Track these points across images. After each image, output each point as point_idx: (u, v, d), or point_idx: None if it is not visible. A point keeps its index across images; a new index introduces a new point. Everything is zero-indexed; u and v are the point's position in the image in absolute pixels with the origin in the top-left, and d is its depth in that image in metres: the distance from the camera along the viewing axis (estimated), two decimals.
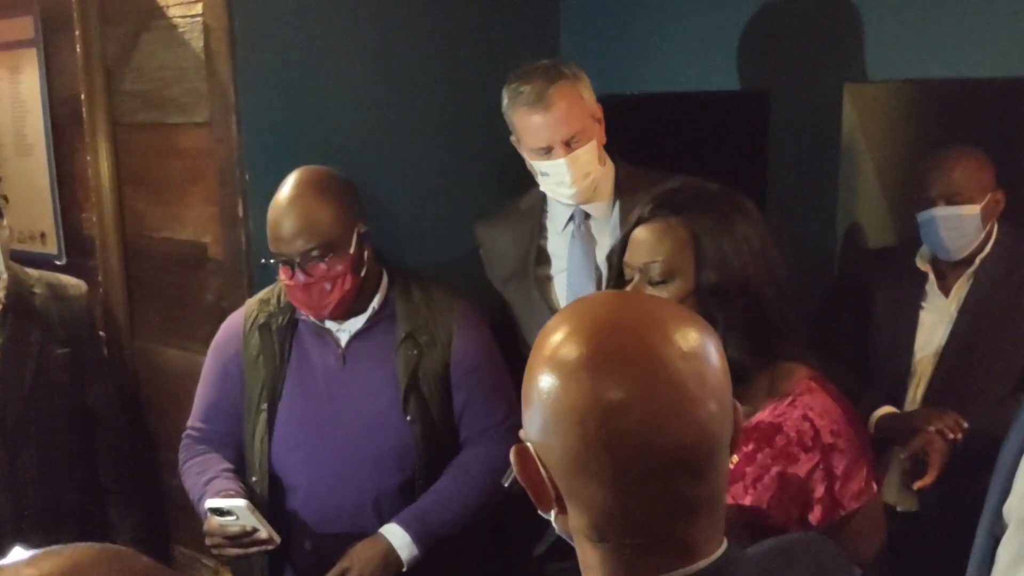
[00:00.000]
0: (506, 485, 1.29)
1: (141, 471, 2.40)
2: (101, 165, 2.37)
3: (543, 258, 2.14)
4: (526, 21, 2.61)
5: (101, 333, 2.42)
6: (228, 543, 1.79)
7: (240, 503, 1.76)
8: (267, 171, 2.02)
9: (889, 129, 2.57)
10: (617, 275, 1.47)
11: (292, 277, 1.84)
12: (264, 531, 1.78)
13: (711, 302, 1.36)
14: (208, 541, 1.82)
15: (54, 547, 0.71)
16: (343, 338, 1.94)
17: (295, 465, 1.93)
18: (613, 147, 2.07)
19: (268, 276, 2.02)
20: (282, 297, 1.95)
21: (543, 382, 0.83)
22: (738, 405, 0.86)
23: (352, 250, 1.85)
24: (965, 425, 1.99)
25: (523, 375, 0.87)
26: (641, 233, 1.42)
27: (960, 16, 2.07)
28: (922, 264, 2.26)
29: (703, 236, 1.38)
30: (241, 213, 2.12)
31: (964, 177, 2.15)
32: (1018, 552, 1.15)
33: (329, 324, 1.94)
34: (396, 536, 1.83)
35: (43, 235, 2.65)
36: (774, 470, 1.37)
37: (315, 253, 1.82)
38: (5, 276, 2.20)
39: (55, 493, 2.23)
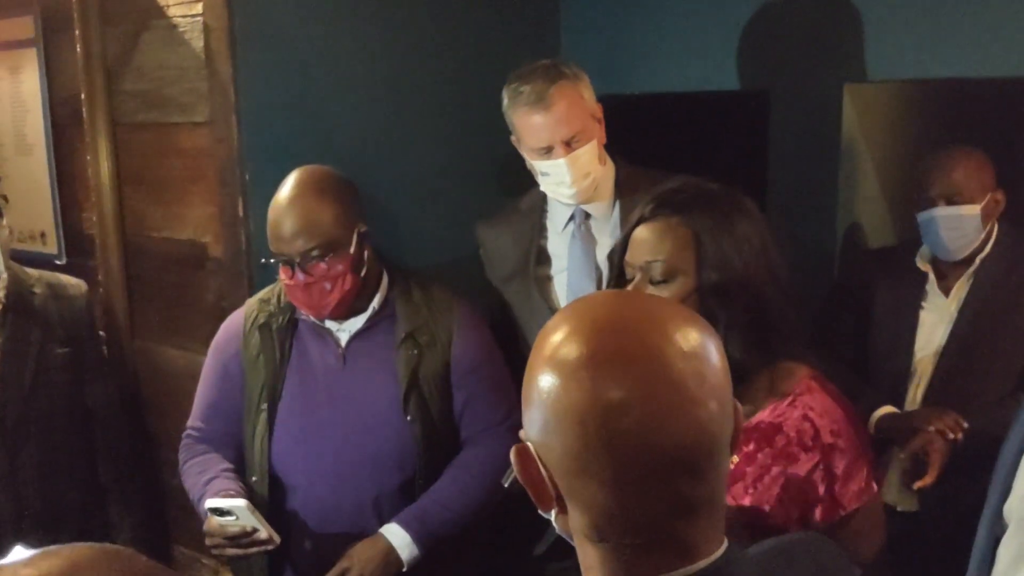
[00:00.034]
0: (506, 485, 1.28)
1: (141, 471, 2.40)
2: (101, 165, 2.37)
3: (543, 258, 2.14)
4: (526, 21, 2.61)
5: (101, 333, 2.42)
6: (228, 543, 1.79)
7: (240, 503, 1.76)
8: (267, 171, 2.02)
9: (889, 129, 2.58)
10: (618, 274, 1.47)
11: (292, 277, 1.84)
12: (264, 531, 1.78)
13: (712, 301, 1.36)
14: (208, 541, 1.82)
15: (52, 547, 0.71)
16: (343, 338, 1.94)
17: (295, 465, 1.93)
18: (613, 147, 2.07)
19: (268, 276, 2.02)
20: (282, 297, 1.95)
21: (543, 382, 0.83)
22: (738, 405, 0.86)
23: (352, 250, 1.85)
24: (965, 425, 1.99)
25: (523, 375, 0.87)
26: (642, 232, 1.42)
27: (960, 16, 2.07)
28: (922, 264, 2.26)
29: (704, 235, 1.38)
30: (241, 213, 2.12)
31: (964, 177, 2.15)
32: (1018, 552, 1.15)
33: (329, 324, 1.94)
34: (396, 536, 1.83)
35: (43, 235, 2.65)
36: (774, 470, 1.37)
37: (315, 253, 1.82)
38: (5, 276, 2.20)
39: (55, 493, 2.23)
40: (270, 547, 1.80)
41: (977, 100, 2.61)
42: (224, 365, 1.99)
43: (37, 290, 2.25)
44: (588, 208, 2.07)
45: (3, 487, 2.15)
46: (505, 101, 2.00)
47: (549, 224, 2.14)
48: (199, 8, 2.10)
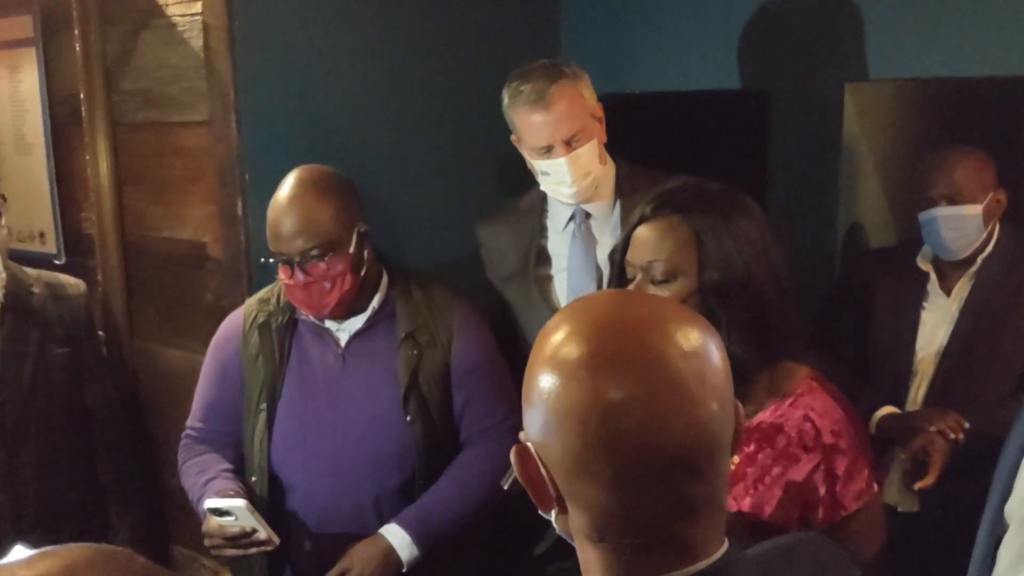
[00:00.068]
0: (505, 488, 1.28)
1: (140, 471, 2.40)
2: (100, 164, 2.37)
3: (543, 258, 2.14)
4: (526, 21, 2.61)
5: (100, 333, 2.42)
6: (227, 544, 1.79)
7: (239, 503, 1.76)
8: (267, 170, 2.02)
9: (890, 129, 2.57)
10: (619, 274, 1.47)
11: (292, 276, 1.84)
12: (263, 532, 1.77)
13: (714, 301, 1.36)
14: (207, 542, 1.82)
15: (50, 548, 0.71)
16: (343, 338, 1.94)
17: (295, 465, 1.92)
18: (614, 146, 2.07)
19: (268, 275, 2.02)
20: (282, 296, 1.95)
21: (543, 382, 0.82)
22: (739, 405, 0.86)
23: (352, 249, 1.85)
24: (966, 425, 1.99)
25: (523, 375, 0.87)
26: (643, 232, 1.42)
27: (960, 16, 2.07)
28: (923, 264, 2.26)
29: (705, 235, 1.38)
30: (241, 212, 2.12)
31: (965, 177, 2.15)
32: (1019, 552, 1.15)
33: (329, 324, 1.94)
34: (396, 536, 1.83)
35: (42, 234, 2.65)
36: (775, 470, 1.36)
37: (315, 252, 1.81)
38: (3, 275, 2.20)
39: (54, 493, 2.23)
40: (269, 548, 1.80)
41: (978, 100, 2.61)
42: (223, 365, 1.99)
43: (36, 290, 2.25)
44: (588, 208, 2.07)
45: (2, 487, 2.16)
46: (505, 100, 2.00)
47: (549, 224, 2.14)
48: (198, 7, 2.10)
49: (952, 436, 1.98)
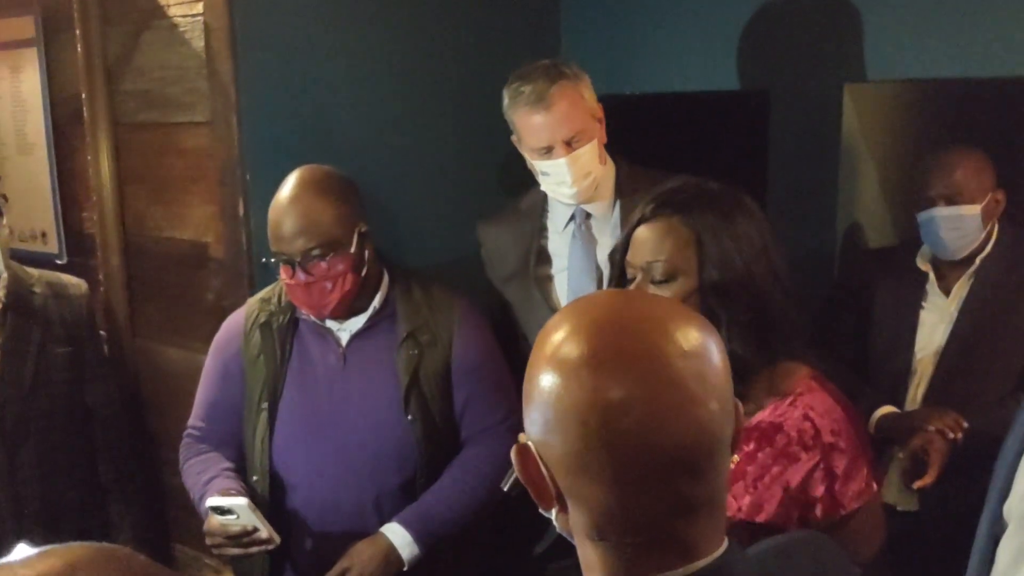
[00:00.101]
0: (505, 489, 1.28)
1: (141, 470, 2.40)
2: (102, 164, 2.37)
3: (544, 258, 2.14)
4: (526, 21, 2.61)
5: (101, 332, 2.42)
6: (228, 543, 1.79)
7: (241, 501, 1.76)
8: (268, 170, 2.03)
9: (889, 129, 2.58)
10: (619, 275, 1.47)
11: (293, 276, 1.84)
12: (264, 531, 1.78)
13: (713, 301, 1.36)
14: (208, 541, 1.82)
15: (50, 547, 0.71)
16: (344, 337, 1.94)
17: (296, 464, 1.93)
18: (614, 147, 2.08)
19: (269, 275, 2.02)
20: (283, 296, 1.95)
21: (544, 381, 0.83)
22: (739, 404, 0.86)
23: (353, 249, 1.85)
24: (965, 425, 1.99)
25: (524, 374, 0.87)
26: (643, 233, 1.42)
27: (960, 16, 2.07)
28: (922, 264, 2.26)
29: (705, 235, 1.38)
30: (242, 212, 2.12)
31: (964, 177, 2.15)
32: (1018, 551, 1.15)
33: (330, 323, 1.94)
34: (397, 535, 1.83)
35: (44, 234, 2.65)
36: (775, 469, 1.37)
37: (316, 252, 1.82)
38: (5, 275, 2.20)
39: (55, 492, 2.23)
40: (270, 547, 1.80)
41: (977, 100, 2.61)
42: (225, 364, 1.99)
43: (37, 289, 2.25)
44: (588, 208, 2.07)
45: (3, 486, 2.16)
46: (506, 101, 2.01)
47: (550, 224, 2.15)
48: (200, 8, 2.11)
49: (951, 435, 1.99)
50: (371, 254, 1.92)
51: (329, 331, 1.95)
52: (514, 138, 2.05)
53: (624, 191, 2.06)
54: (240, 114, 2.09)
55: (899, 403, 2.18)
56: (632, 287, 1.42)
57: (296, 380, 1.94)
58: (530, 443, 0.85)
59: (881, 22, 2.18)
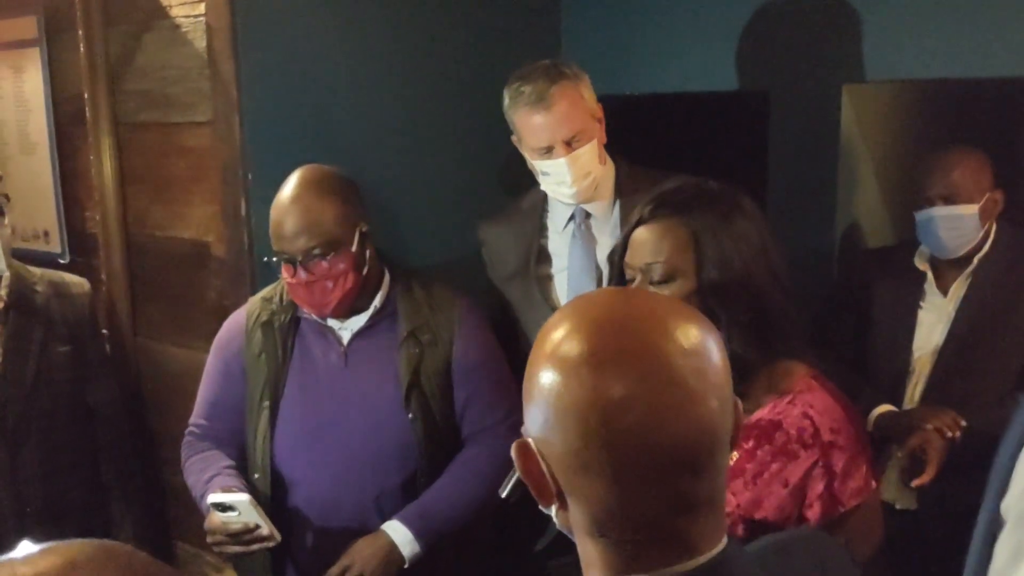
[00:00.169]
0: (504, 495, 1.26)
1: (143, 468, 2.41)
2: (104, 164, 2.38)
3: (544, 257, 2.15)
4: (526, 21, 2.61)
5: (104, 331, 2.43)
6: (230, 540, 1.79)
7: (243, 497, 1.76)
8: (269, 170, 2.03)
9: (888, 129, 2.58)
10: (618, 276, 1.48)
11: (294, 275, 1.85)
12: (266, 528, 1.78)
13: (713, 301, 1.36)
14: (209, 538, 1.83)
15: (51, 545, 0.71)
16: (345, 336, 1.95)
17: (297, 463, 1.93)
18: (614, 147, 2.08)
19: (270, 274, 2.03)
20: (284, 295, 1.96)
21: (544, 379, 0.83)
22: (738, 402, 0.87)
23: (354, 248, 1.86)
24: (963, 423, 2.00)
25: (524, 373, 0.88)
26: (642, 234, 1.43)
27: (960, 16, 2.07)
28: (920, 263, 2.27)
29: (704, 235, 1.38)
30: (243, 212, 2.13)
31: (963, 177, 2.15)
32: (1016, 549, 1.16)
33: (331, 322, 1.95)
34: (398, 532, 1.84)
35: (46, 233, 2.66)
36: (774, 467, 1.37)
37: (317, 251, 1.82)
38: (7, 274, 2.21)
39: (57, 490, 2.24)
40: (272, 544, 1.81)
41: (977, 100, 2.62)
42: (226, 363, 1.99)
43: (39, 288, 2.25)
44: (588, 208, 2.08)
45: (5, 485, 2.16)
46: (506, 101, 2.01)
47: (550, 223, 2.15)
48: (201, 8, 2.11)
49: (949, 434, 1.99)
50: (372, 253, 1.93)
51: (330, 330, 1.95)
52: (514, 138, 2.06)
53: (624, 191, 2.06)
54: (242, 114, 2.09)
55: (898, 402, 2.19)
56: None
57: (297, 379, 1.94)
58: (530, 440, 0.85)
59: (880, 22, 2.18)
